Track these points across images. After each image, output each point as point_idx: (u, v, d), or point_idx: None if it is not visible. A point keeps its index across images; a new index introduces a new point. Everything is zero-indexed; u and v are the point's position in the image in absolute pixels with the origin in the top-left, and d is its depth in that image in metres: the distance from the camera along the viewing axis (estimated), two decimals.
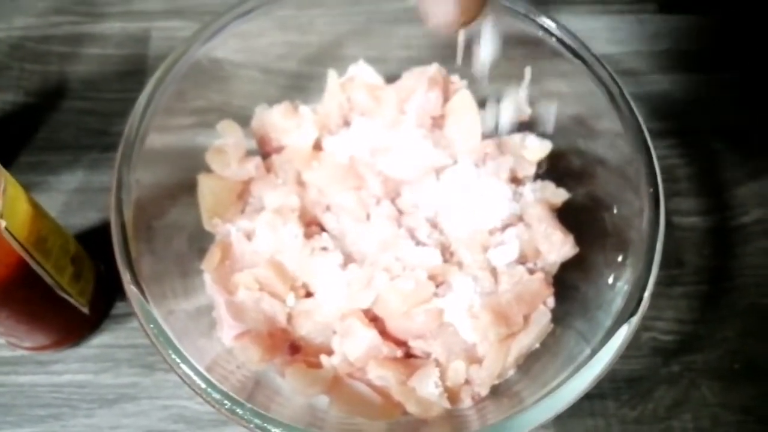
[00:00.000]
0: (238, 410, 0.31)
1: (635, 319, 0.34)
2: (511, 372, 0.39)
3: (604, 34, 0.60)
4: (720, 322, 0.48)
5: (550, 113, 0.45)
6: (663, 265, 0.49)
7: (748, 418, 0.46)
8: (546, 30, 0.42)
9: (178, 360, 0.33)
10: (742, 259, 0.51)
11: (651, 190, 0.36)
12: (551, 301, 0.40)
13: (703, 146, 0.55)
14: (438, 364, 0.38)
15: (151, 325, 0.33)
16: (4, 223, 0.34)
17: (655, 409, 0.45)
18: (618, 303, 0.35)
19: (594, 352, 0.33)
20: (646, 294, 0.34)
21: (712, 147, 0.55)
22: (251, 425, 0.31)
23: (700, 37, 0.61)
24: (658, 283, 0.48)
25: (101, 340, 0.46)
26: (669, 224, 0.51)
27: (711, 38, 0.61)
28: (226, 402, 0.32)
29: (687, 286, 0.49)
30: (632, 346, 0.46)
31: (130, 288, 0.34)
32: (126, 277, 0.34)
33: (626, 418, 0.45)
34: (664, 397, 0.46)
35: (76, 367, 0.45)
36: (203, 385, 0.32)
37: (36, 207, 0.38)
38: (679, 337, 0.48)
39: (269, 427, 0.31)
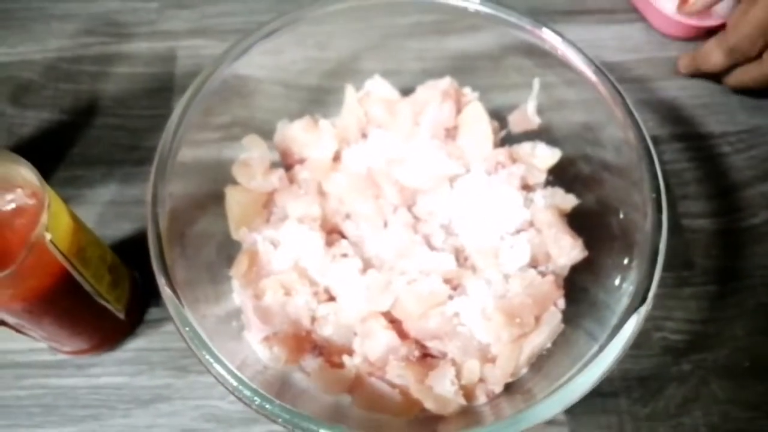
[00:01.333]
0: (267, 406, 0.33)
1: (638, 318, 0.35)
2: (524, 370, 0.41)
3: (613, 42, 0.62)
4: (729, 321, 0.50)
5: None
6: (673, 267, 0.51)
7: (757, 414, 0.47)
8: (552, 42, 0.44)
9: (211, 360, 0.35)
10: (750, 259, 0.52)
11: (654, 195, 0.38)
12: (562, 303, 0.42)
13: (712, 150, 0.57)
14: (454, 363, 0.40)
15: (186, 328, 0.35)
16: (49, 236, 0.36)
17: (667, 406, 0.47)
18: (624, 303, 0.36)
19: (600, 350, 0.35)
20: (650, 294, 0.36)
21: (720, 150, 0.57)
22: (280, 420, 0.33)
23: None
24: (668, 284, 0.50)
25: (137, 344, 0.48)
26: (678, 227, 0.53)
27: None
28: (256, 398, 0.34)
29: (696, 287, 0.51)
30: (643, 345, 0.48)
31: (166, 292, 0.36)
32: (162, 282, 0.36)
33: (638, 415, 0.46)
34: (675, 395, 0.47)
35: (113, 369, 0.48)
36: (235, 383, 0.34)
37: (76, 220, 0.41)
38: (689, 337, 0.49)
39: (297, 421, 0.33)
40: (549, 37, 0.44)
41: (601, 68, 0.42)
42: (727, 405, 0.47)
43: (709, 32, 0.61)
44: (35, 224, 0.35)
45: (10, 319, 0.40)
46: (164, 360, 0.48)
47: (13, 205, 0.37)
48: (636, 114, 0.41)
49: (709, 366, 0.48)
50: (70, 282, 0.39)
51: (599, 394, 0.47)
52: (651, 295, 0.36)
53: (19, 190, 0.37)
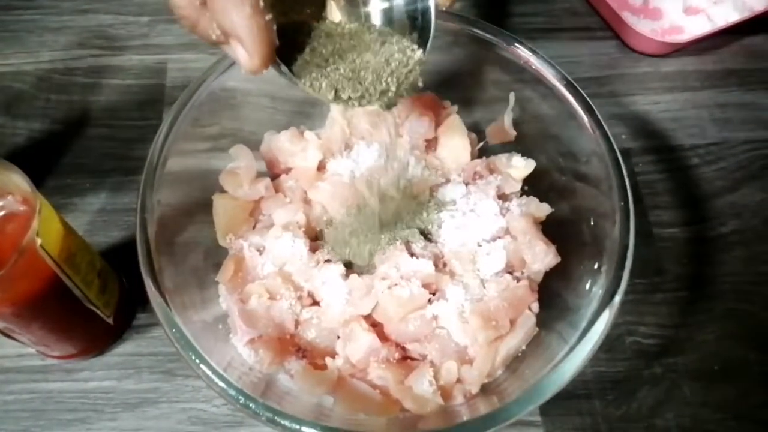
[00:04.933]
0: (251, 405, 0.35)
1: (606, 320, 0.37)
2: (499, 372, 0.42)
3: (588, 59, 0.64)
4: (699, 326, 0.52)
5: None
6: (644, 274, 0.53)
7: (727, 415, 0.48)
8: (526, 58, 0.46)
9: (197, 361, 0.36)
10: (719, 267, 0.54)
11: (622, 203, 0.40)
12: (536, 307, 0.43)
13: (683, 162, 0.59)
14: (432, 364, 0.41)
15: (173, 330, 0.36)
16: (39, 241, 0.37)
17: (639, 408, 0.48)
18: (594, 306, 0.38)
19: (570, 351, 0.36)
20: (617, 297, 0.37)
21: (690, 162, 0.59)
22: (263, 418, 0.34)
23: (678, 59, 0.65)
24: (640, 291, 0.52)
25: (124, 348, 0.50)
26: (650, 235, 0.55)
27: (688, 61, 0.65)
28: (240, 398, 0.35)
29: (667, 293, 0.53)
30: (616, 349, 0.50)
31: (154, 296, 0.37)
32: (150, 286, 0.38)
33: (612, 416, 0.48)
34: (647, 397, 0.49)
35: (101, 374, 0.49)
36: (220, 383, 0.35)
37: (66, 226, 0.42)
38: (661, 341, 0.51)
39: (279, 419, 0.34)
40: (524, 53, 0.46)
41: (572, 83, 0.44)
42: (697, 407, 0.49)
43: (679, 49, 0.64)
44: (26, 230, 0.36)
45: None
46: (151, 364, 0.49)
47: (4, 212, 0.38)
48: (606, 127, 0.43)
49: (680, 369, 0.50)
50: (59, 287, 0.40)
51: (574, 396, 0.48)
52: (619, 297, 0.37)
53: (10, 197, 0.38)
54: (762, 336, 0.51)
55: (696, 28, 0.65)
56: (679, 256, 0.54)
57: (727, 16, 0.65)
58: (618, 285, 0.38)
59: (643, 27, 0.64)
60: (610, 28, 0.66)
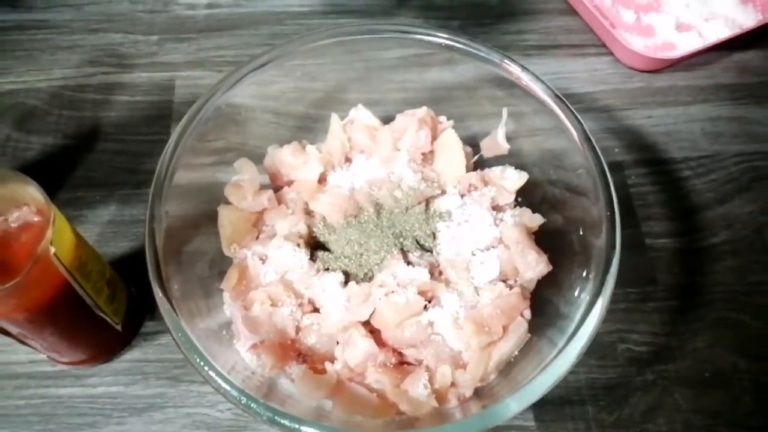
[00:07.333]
0: (252, 405, 0.36)
1: (591, 325, 0.38)
2: (492, 376, 0.43)
3: (582, 75, 0.66)
4: (690, 334, 0.53)
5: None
6: (637, 283, 0.54)
7: (717, 422, 0.49)
8: (517, 74, 0.48)
9: (202, 363, 0.37)
10: (710, 276, 0.55)
11: (608, 213, 0.41)
12: (528, 314, 0.45)
13: (674, 174, 0.60)
14: (428, 369, 0.43)
15: (180, 334, 0.38)
16: (53, 250, 0.39)
17: (631, 414, 0.49)
18: (581, 312, 0.39)
19: (558, 354, 0.38)
20: (601, 301, 0.39)
21: (682, 175, 0.60)
22: (264, 418, 0.36)
23: (670, 75, 0.66)
24: (632, 299, 0.54)
25: (132, 355, 0.51)
26: (642, 245, 0.56)
27: (680, 76, 0.66)
28: (242, 398, 0.36)
29: (659, 302, 0.54)
30: (609, 356, 0.51)
31: (162, 303, 0.39)
32: (158, 294, 0.39)
33: (604, 422, 0.49)
34: (639, 403, 0.50)
35: (109, 380, 0.50)
36: (224, 385, 0.37)
37: (78, 236, 0.43)
38: (653, 348, 0.52)
39: (278, 419, 0.36)
40: (514, 69, 0.48)
41: (561, 98, 0.46)
42: (688, 413, 0.50)
43: (672, 65, 0.66)
44: (41, 239, 0.38)
45: (12, 329, 0.42)
46: (158, 370, 0.50)
47: (20, 222, 0.40)
48: (593, 140, 0.44)
49: (672, 376, 0.51)
50: (71, 294, 0.42)
51: (567, 402, 0.50)
52: (603, 300, 0.39)
53: (25, 208, 0.40)
54: (752, 344, 0.52)
55: (688, 44, 0.67)
56: (671, 266, 0.55)
57: (718, 32, 0.66)
58: (600, 289, 0.39)
59: (637, 44, 0.66)
60: (604, 45, 0.68)
